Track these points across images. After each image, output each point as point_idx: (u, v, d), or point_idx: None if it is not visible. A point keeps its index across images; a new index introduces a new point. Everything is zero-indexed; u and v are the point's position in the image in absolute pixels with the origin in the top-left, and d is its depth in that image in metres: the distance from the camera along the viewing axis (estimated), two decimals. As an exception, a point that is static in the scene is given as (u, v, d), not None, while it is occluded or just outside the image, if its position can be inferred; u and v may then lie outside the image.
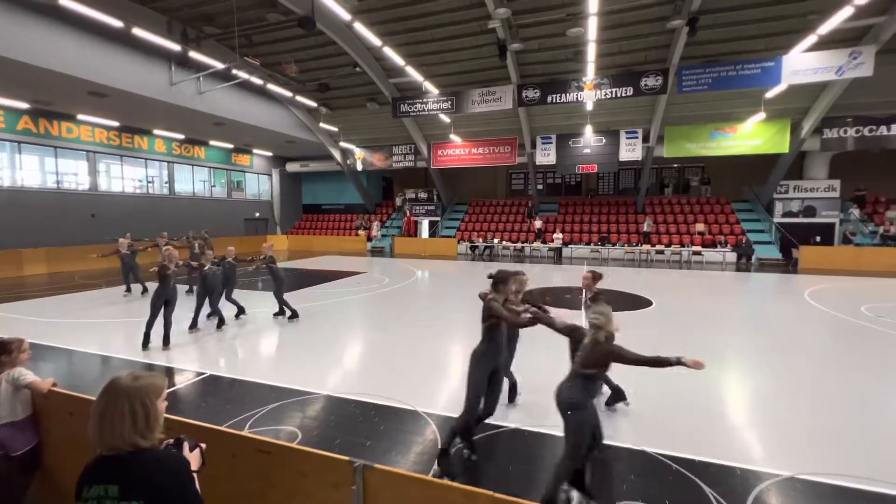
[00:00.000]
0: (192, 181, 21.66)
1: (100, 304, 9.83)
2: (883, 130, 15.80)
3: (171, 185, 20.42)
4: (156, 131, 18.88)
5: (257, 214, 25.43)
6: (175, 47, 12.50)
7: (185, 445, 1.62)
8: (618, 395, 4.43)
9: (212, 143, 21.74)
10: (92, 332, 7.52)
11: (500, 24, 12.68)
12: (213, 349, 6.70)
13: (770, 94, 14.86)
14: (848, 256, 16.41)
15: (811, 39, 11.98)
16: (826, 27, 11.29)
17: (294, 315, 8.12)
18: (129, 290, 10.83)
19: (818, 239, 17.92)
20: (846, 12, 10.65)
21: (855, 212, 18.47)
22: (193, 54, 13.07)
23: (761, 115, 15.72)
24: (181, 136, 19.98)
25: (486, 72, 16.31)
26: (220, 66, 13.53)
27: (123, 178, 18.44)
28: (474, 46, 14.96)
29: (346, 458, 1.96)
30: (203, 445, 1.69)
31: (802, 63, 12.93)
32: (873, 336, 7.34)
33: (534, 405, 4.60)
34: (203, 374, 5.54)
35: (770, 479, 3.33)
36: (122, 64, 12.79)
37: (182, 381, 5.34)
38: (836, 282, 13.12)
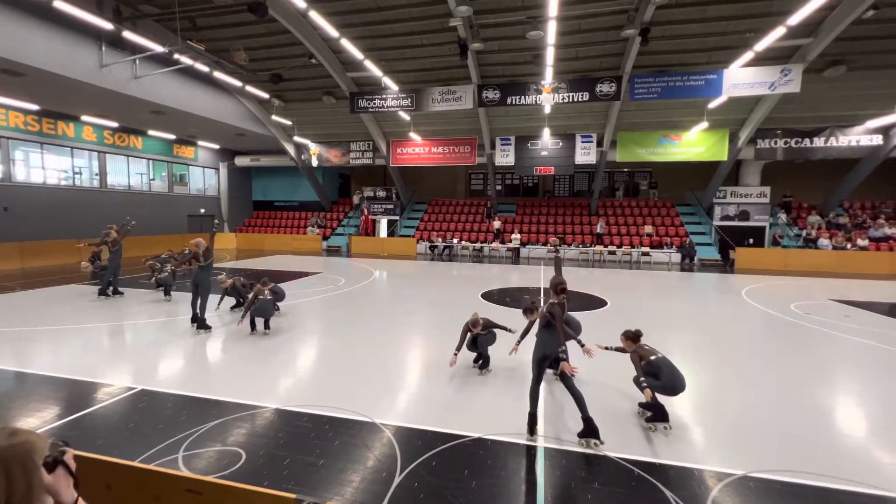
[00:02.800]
0: (128, 173, 19.86)
1: (10, 309, 8.69)
2: (807, 143, 17.34)
3: (102, 178, 18.60)
4: (84, 117, 17.10)
5: (202, 211, 23.80)
6: (106, 25, 11.29)
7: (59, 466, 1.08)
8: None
9: (150, 132, 20.05)
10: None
11: (461, 22, 12.57)
12: (147, 359, 6.05)
13: (712, 105, 15.84)
14: (777, 257, 17.86)
15: (748, 55, 12.86)
16: (762, 45, 12.16)
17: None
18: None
19: (751, 241, 19.37)
20: (779, 31, 11.50)
21: (782, 216, 20.14)
22: (128, 34, 11.89)
23: (704, 125, 16.73)
24: (114, 124, 18.24)
25: (446, 70, 16.17)
26: (159, 49, 12.41)
27: (45, 168, 16.55)
28: (435, 44, 14.77)
29: (294, 496, 1.70)
30: (68, 452, 1.12)
31: (740, 77, 13.86)
32: (805, 333, 7.92)
33: (495, 412, 4.49)
34: (133, 388, 4.96)
35: (725, 478, 3.40)
36: (41, 40, 11.41)
37: (105, 397, 4.74)
38: (767, 281, 14.19)
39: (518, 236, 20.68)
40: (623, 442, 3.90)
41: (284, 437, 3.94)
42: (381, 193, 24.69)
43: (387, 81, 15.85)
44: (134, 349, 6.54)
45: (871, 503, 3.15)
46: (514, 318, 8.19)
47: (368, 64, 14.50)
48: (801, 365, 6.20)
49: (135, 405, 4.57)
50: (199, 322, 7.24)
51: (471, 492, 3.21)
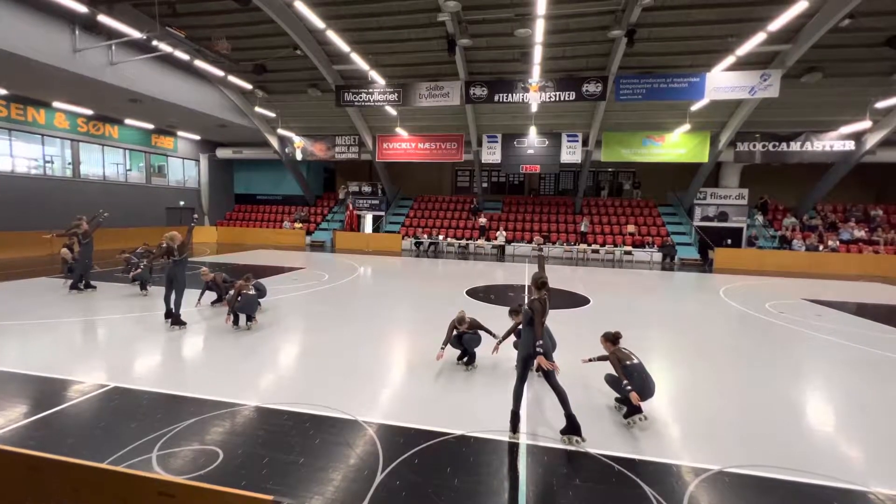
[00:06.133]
0: (103, 163, 19.20)
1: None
2: (784, 146, 17.84)
3: (75, 167, 17.93)
4: (56, 104, 16.42)
5: (182, 203, 23.17)
6: (80, 8, 10.83)
7: None
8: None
9: (127, 121, 19.38)
10: (-38, 337, 6.28)
11: (449, 17, 12.48)
12: (121, 355, 5.86)
13: (694, 108, 16.14)
14: (753, 258, 18.36)
15: (730, 60, 13.12)
16: (743, 49, 12.42)
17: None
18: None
19: (729, 241, 19.87)
20: (760, 37, 11.77)
21: (759, 218, 20.71)
22: (103, 18, 11.43)
23: (686, 127, 17.05)
24: (89, 112, 17.57)
25: (434, 65, 16.05)
26: (136, 34, 11.97)
27: (13, 156, 15.85)
28: (423, 39, 14.65)
29: (270, 497, 1.65)
30: None
31: (722, 81, 14.14)
32: (779, 331, 8.16)
33: (478, 409, 4.50)
34: (105, 385, 4.80)
35: (702, 474, 3.48)
36: (9, 21, 10.90)
37: (76, 395, 4.57)
38: (744, 280, 14.57)
39: (503, 234, 20.76)
40: (603, 438, 3.94)
41: (264, 435, 3.87)
42: (367, 188, 24.47)
43: (373, 75, 15.66)
44: (107, 345, 6.33)
45: (838, 496, 3.26)
46: (499, 315, 8.22)
47: (355, 57, 14.29)
48: (775, 362, 6.38)
49: (107, 403, 4.42)
50: (174, 318, 7.04)
51: (453, 489, 3.20)
